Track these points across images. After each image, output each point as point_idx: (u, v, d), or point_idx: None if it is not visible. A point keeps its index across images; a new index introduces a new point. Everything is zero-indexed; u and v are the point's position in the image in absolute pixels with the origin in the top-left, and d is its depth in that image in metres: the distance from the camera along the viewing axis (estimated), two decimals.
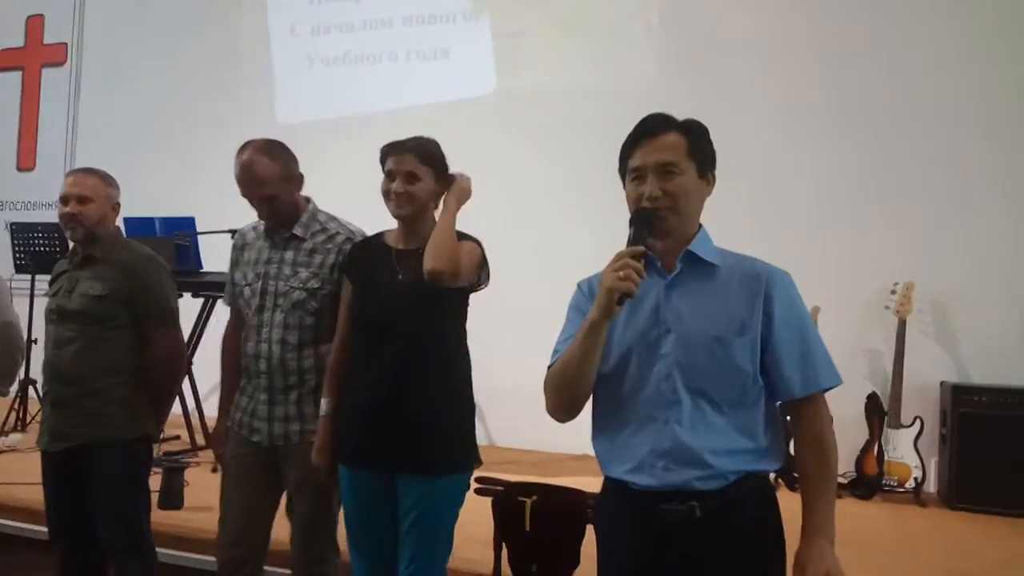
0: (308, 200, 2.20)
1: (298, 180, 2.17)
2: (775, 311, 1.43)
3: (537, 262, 4.14)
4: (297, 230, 2.14)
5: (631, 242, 1.41)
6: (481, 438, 4.80)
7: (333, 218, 2.20)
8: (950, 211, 3.91)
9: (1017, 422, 3.49)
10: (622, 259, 1.36)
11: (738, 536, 1.40)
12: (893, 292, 3.81)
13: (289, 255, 2.14)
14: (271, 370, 2.10)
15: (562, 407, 1.50)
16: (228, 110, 5.18)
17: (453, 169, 1.99)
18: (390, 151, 1.96)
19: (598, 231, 1.58)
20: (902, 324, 3.75)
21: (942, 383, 3.79)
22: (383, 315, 1.93)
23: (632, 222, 1.45)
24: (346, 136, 4.74)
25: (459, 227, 2.03)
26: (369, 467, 1.94)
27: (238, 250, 2.25)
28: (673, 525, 1.40)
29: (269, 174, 2.09)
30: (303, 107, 5.28)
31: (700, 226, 1.50)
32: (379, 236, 2.06)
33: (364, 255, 2.04)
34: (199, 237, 4.06)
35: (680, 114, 1.53)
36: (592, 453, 1.56)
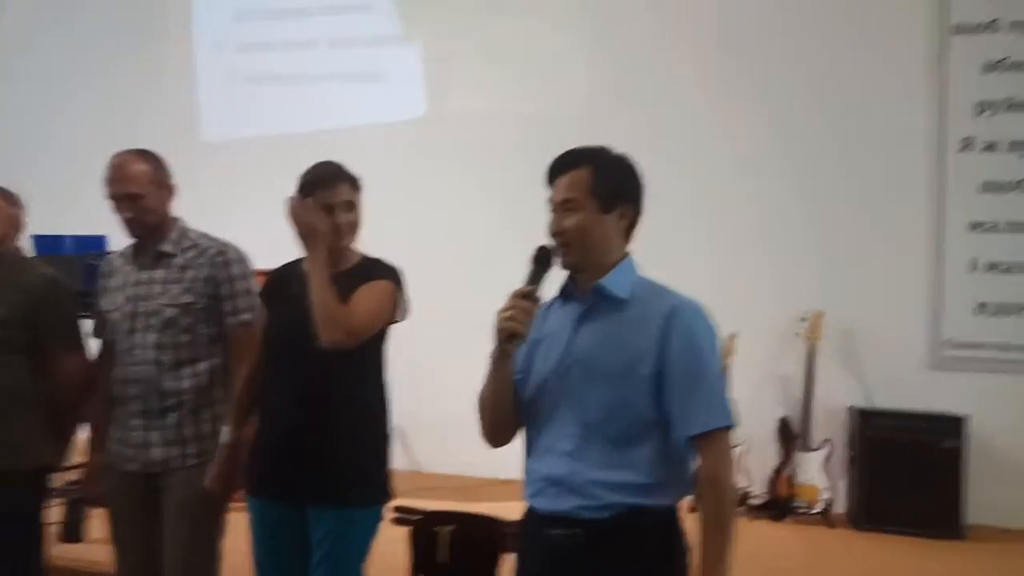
0: (177, 218, 2.16)
1: (169, 190, 2.13)
2: (672, 348, 1.44)
3: (464, 288, 4.15)
4: (166, 247, 2.09)
5: (527, 280, 1.46)
6: (406, 464, 4.80)
7: (205, 235, 2.16)
8: (859, 242, 4.09)
9: (919, 446, 3.66)
10: (512, 299, 1.42)
11: (627, 568, 1.42)
12: (804, 320, 3.96)
13: (159, 274, 2.09)
14: (145, 393, 2.03)
15: (487, 433, 1.56)
16: (150, 126, 5.00)
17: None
18: (320, 183, 1.90)
19: (523, 257, 1.61)
20: (812, 350, 3.90)
21: (849, 408, 3.95)
22: (298, 342, 1.88)
23: (532, 259, 1.49)
24: (272, 156, 4.66)
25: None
26: (279, 498, 1.89)
27: (105, 277, 2.18)
28: (559, 549, 1.43)
29: (139, 172, 2.07)
30: (226, 125, 5.17)
31: (626, 256, 1.54)
32: (296, 263, 2.02)
33: (282, 281, 2.01)
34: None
35: (607, 141, 1.57)
36: (516, 478, 1.59)
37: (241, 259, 2.13)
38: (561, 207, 1.48)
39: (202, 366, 2.05)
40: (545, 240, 1.53)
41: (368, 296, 1.88)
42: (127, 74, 5.40)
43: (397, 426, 4.16)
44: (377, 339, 1.95)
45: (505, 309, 1.42)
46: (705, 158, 4.28)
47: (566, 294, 1.55)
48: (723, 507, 1.44)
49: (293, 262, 2.05)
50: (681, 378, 1.43)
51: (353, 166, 2.02)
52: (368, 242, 2.11)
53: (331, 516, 1.84)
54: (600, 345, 1.46)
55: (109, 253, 3.84)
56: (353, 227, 1.93)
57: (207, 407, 2.05)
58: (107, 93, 5.42)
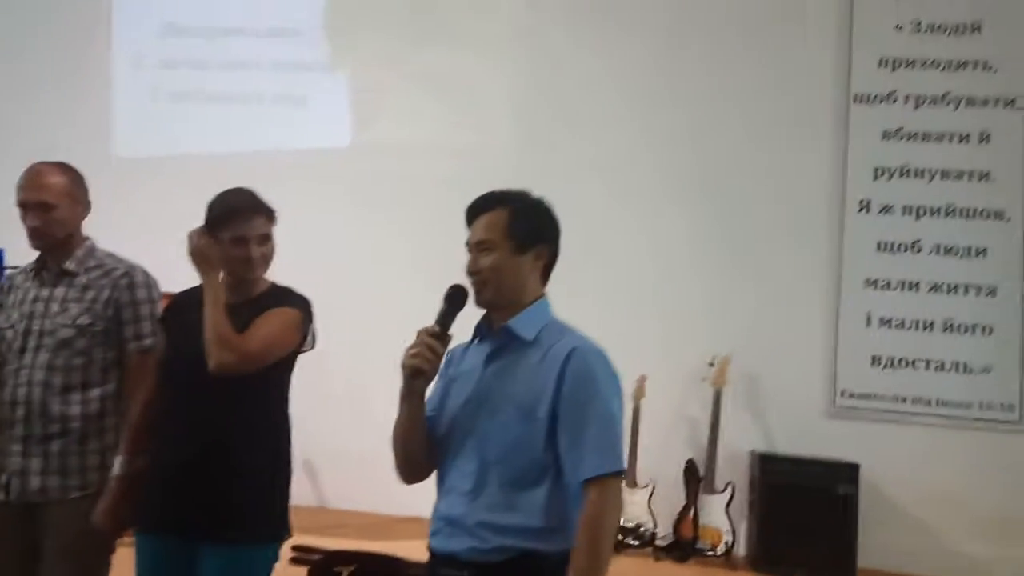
0: (87, 237, 2.09)
1: (83, 206, 2.07)
2: (565, 390, 1.45)
3: (382, 321, 4.11)
4: (70, 265, 2.01)
5: (437, 318, 1.49)
6: (312, 500, 4.68)
7: (112, 255, 2.09)
8: (765, 292, 4.26)
9: (815, 491, 3.79)
10: (419, 336, 1.45)
11: None
12: (711, 364, 4.09)
13: (59, 292, 2.00)
14: (29, 416, 1.93)
15: (401, 469, 1.56)
16: (61, 138, 4.83)
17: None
18: (234, 214, 1.85)
19: (442, 289, 1.62)
20: (717, 394, 4.03)
21: (751, 452, 4.09)
22: (196, 372, 1.81)
23: (444, 298, 1.52)
24: (189, 175, 4.53)
25: (301, 280, 2.00)
26: (169, 534, 1.81)
27: (4, 293, 2.08)
28: None
29: (55, 183, 2.00)
30: (144, 142, 5.02)
31: (542, 297, 1.57)
32: (198, 289, 1.94)
33: (184, 306, 1.93)
34: (6, 272, 3.72)
35: (526, 180, 1.61)
36: (422, 515, 1.58)
37: (148, 283, 2.06)
38: (477, 247, 1.52)
39: (94, 392, 1.96)
40: (464, 276, 1.56)
41: (268, 323, 1.83)
42: (41, 84, 5.19)
43: (305, 460, 4.12)
44: (279, 368, 1.89)
45: (411, 347, 1.44)
46: (622, 198, 4.40)
47: (480, 333, 1.57)
48: (599, 553, 1.41)
49: (194, 288, 1.99)
50: (572, 421, 1.43)
51: (274, 191, 2.00)
52: (287, 270, 2.08)
53: (223, 554, 1.77)
54: (503, 385, 1.48)
55: (6, 268, 3.69)
56: (266, 259, 1.90)
57: (96, 436, 1.95)
58: (18, 103, 5.19)
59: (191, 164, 4.62)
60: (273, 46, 5.07)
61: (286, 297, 1.91)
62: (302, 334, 1.92)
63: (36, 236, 1.99)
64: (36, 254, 2.08)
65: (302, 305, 1.93)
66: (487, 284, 1.50)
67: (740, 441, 4.11)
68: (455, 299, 1.51)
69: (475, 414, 1.49)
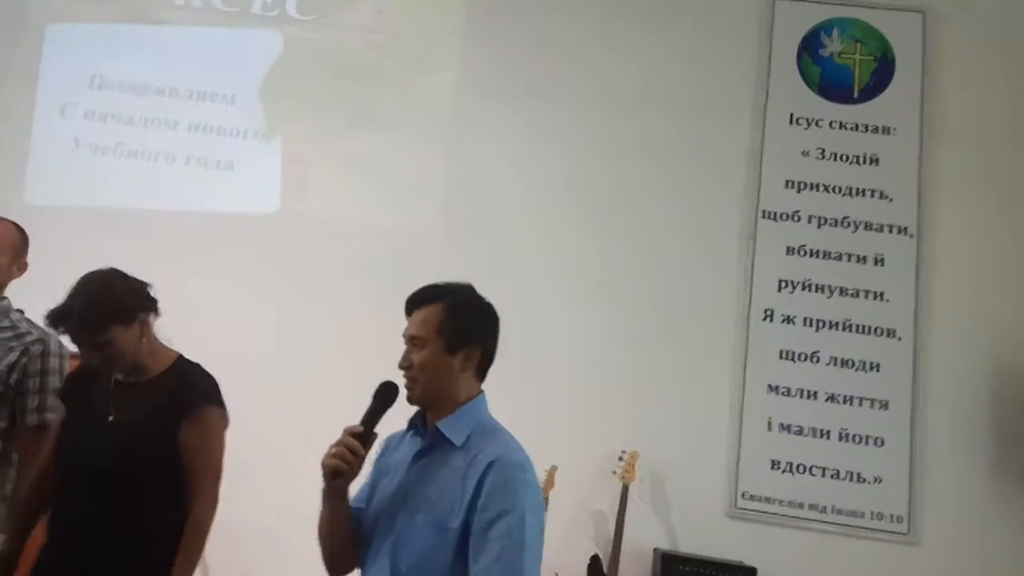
0: (5, 297, 1.99)
1: (19, 268, 1.99)
2: (480, 507, 1.39)
3: (291, 394, 4.02)
4: None
5: (364, 417, 1.48)
6: None
7: (28, 319, 1.99)
8: (672, 391, 4.37)
9: None
10: (342, 436, 1.43)
11: None
12: (621, 459, 4.14)
13: None
14: None
15: (326, 562, 1.51)
16: None
17: None
18: (59, 322, 1.76)
19: (360, 371, 1.61)
20: (625, 490, 4.06)
21: (655, 550, 4.10)
22: (86, 458, 1.73)
23: (374, 395, 1.52)
24: (106, 228, 4.41)
25: (218, 343, 1.95)
26: None
27: None
28: None
29: (8, 235, 1.93)
30: (59, 191, 4.86)
31: (478, 395, 1.55)
32: None
33: (82, 382, 1.84)
34: None
35: (450, 266, 1.64)
36: None
37: (61, 354, 1.95)
38: (410, 342, 1.52)
39: None
40: (386, 359, 1.55)
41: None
42: None
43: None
44: (176, 462, 1.81)
45: (333, 446, 1.41)
46: (542, 290, 4.49)
47: (413, 427, 1.55)
48: None
49: None
50: (481, 537, 1.37)
51: (195, 252, 1.97)
52: (204, 331, 2.04)
53: None
54: (423, 489, 1.44)
55: None
56: (112, 362, 1.77)
57: None
58: None
59: (111, 217, 4.50)
60: (205, 108, 5.06)
61: (189, 385, 1.81)
62: (223, 428, 1.85)
63: None
64: None
65: (208, 395, 1.84)
66: (416, 382, 1.49)
67: (645, 538, 4.12)
68: (384, 396, 1.49)
69: (394, 515, 1.45)
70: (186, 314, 1.99)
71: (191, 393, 1.81)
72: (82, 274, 1.91)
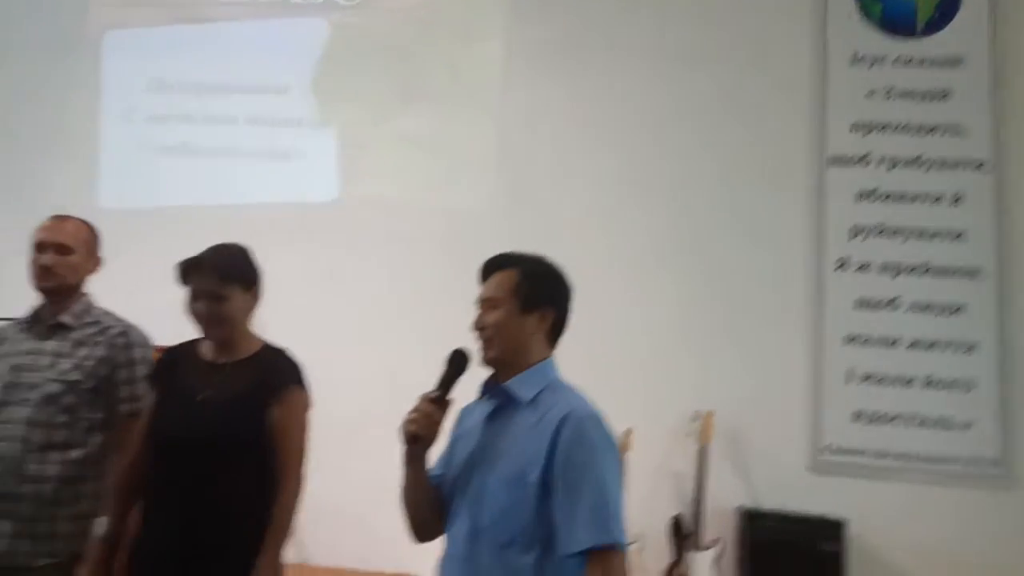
0: (86, 293, 2.07)
1: (95, 263, 2.06)
2: (558, 459, 1.40)
3: (370, 376, 4.10)
4: (65, 318, 1.98)
5: (437, 382, 1.50)
6: (294, 556, 4.54)
7: (109, 313, 2.06)
8: (746, 348, 4.31)
9: (801, 548, 3.79)
10: (419, 402, 1.46)
11: None
12: (695, 420, 4.10)
13: (50, 345, 1.96)
14: (3, 474, 1.86)
15: (411, 529, 1.55)
16: (51, 190, 4.85)
17: None
18: (190, 269, 1.85)
19: (431, 346, 1.63)
20: (703, 450, 4.03)
21: (738, 508, 4.06)
22: (182, 435, 1.80)
23: (447, 361, 1.54)
24: (175, 227, 4.55)
25: (291, 332, 2.00)
26: None
27: None
28: None
29: (77, 230, 2.02)
30: (131, 194, 5.04)
31: (546, 359, 1.56)
32: (191, 344, 1.93)
33: (172, 365, 1.90)
34: None
35: (512, 238, 1.64)
36: (407, 570, 1.56)
37: (144, 343, 2.03)
38: (484, 304, 1.53)
39: (74, 453, 1.89)
40: (453, 334, 1.56)
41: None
42: (30, 136, 5.23)
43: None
44: (263, 437, 1.86)
45: (410, 412, 1.43)
46: (600, 257, 4.44)
47: (486, 390, 1.57)
48: None
49: (185, 344, 1.98)
50: (565, 490, 1.37)
51: (262, 244, 2.01)
52: (275, 322, 2.08)
53: None
54: (497, 447, 1.46)
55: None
56: (222, 320, 1.85)
57: (69, 502, 1.87)
58: (7, 152, 5.22)
59: (178, 216, 4.64)
60: (261, 101, 5.15)
61: (277, 367, 1.87)
62: (308, 409, 1.90)
63: (45, 276, 1.94)
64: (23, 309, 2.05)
65: (294, 377, 1.90)
66: (491, 342, 1.51)
67: (726, 496, 4.09)
68: (456, 362, 1.51)
69: (471, 475, 1.47)
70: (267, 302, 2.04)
71: (279, 376, 1.87)
72: (155, 272, 2.00)
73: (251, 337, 1.91)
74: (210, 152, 5.13)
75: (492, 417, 1.50)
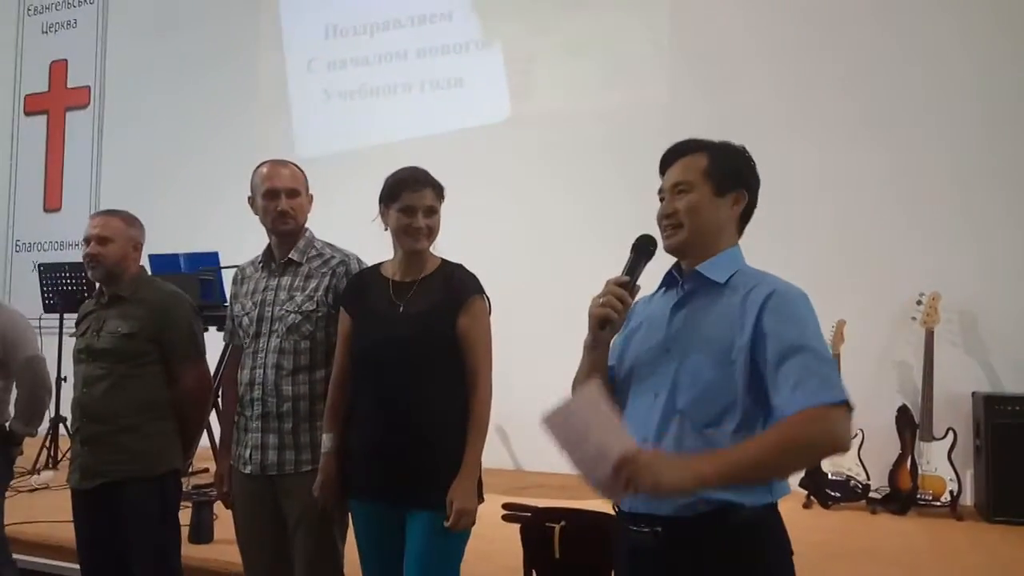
0: (307, 229, 2.22)
1: (311, 201, 2.21)
2: (770, 328, 1.34)
3: (556, 284, 4.15)
4: (294, 255, 2.14)
5: (626, 268, 1.43)
6: (507, 463, 4.85)
7: (329, 244, 2.21)
8: (973, 220, 3.87)
9: None
10: (607, 287, 1.39)
11: (714, 569, 1.33)
12: (919, 303, 3.76)
13: (286, 280, 2.14)
14: (264, 396, 2.07)
15: None
16: (247, 146, 5.28)
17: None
18: (405, 186, 1.93)
19: (615, 251, 1.58)
20: (930, 335, 3.70)
21: (974, 394, 3.72)
22: (385, 348, 1.90)
23: (632, 248, 1.45)
24: (364, 167, 4.77)
25: (476, 254, 2.04)
26: (379, 502, 1.91)
27: (237, 284, 2.25)
28: (639, 549, 1.37)
29: (299, 175, 2.17)
30: (322, 140, 5.36)
31: (735, 246, 1.48)
32: (374, 269, 2.04)
33: (361, 288, 2.02)
34: (223, 271, 4.11)
35: (690, 134, 1.53)
36: None
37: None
38: (673, 190, 1.44)
39: (319, 373, 2.08)
40: (632, 234, 1.50)
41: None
42: (224, 98, 5.70)
43: (497, 426, 4.25)
44: (456, 346, 1.93)
45: (599, 296, 1.39)
46: (793, 140, 4.14)
47: (668, 282, 1.51)
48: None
49: (367, 269, 2.08)
50: (780, 359, 1.30)
51: (441, 173, 2.04)
52: (460, 244, 2.13)
53: (428, 517, 1.85)
54: (693, 331, 1.40)
55: (222, 268, 4.09)
56: (432, 232, 1.94)
57: (322, 415, 2.06)
58: (205, 116, 5.74)
59: (368, 156, 4.88)
60: (427, 32, 5.22)
61: (460, 281, 1.94)
62: (489, 316, 1.96)
63: (283, 219, 2.11)
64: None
65: (478, 288, 1.96)
66: (681, 227, 1.43)
67: (959, 383, 3.76)
68: (642, 248, 1.45)
69: (659, 361, 1.42)
70: (449, 226, 2.10)
71: (463, 286, 1.96)
72: (357, 213, 2.11)
73: (432, 256, 1.99)
74: (388, 90, 5.31)
75: (680, 305, 1.44)
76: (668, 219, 1.44)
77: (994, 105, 3.88)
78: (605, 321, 1.38)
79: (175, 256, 4.22)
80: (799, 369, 1.29)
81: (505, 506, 2.10)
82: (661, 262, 1.52)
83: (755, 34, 4.34)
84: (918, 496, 3.60)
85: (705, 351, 1.38)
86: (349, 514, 2.02)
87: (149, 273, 2.59)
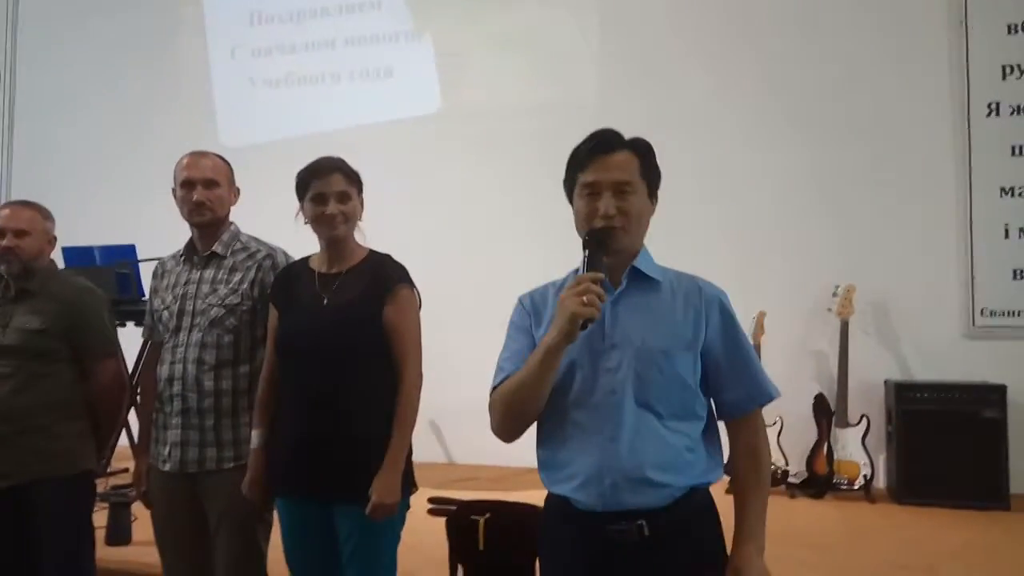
0: (232, 222, 2.17)
1: (235, 194, 2.15)
2: (713, 330, 1.44)
3: (487, 277, 4.15)
4: (217, 248, 2.09)
5: (588, 265, 1.39)
6: (439, 455, 4.83)
7: (255, 238, 2.16)
8: (887, 216, 4.04)
9: (957, 416, 3.60)
10: (584, 283, 1.34)
11: (684, 552, 1.39)
12: (835, 295, 3.91)
13: (208, 273, 2.09)
14: (184, 392, 2.02)
15: (509, 428, 1.47)
16: (170, 135, 5.09)
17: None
18: (313, 175, 1.91)
19: (544, 245, 1.59)
20: (844, 325, 3.85)
21: (886, 381, 3.90)
22: (310, 341, 1.88)
23: (587, 244, 1.42)
24: (292, 158, 4.66)
25: (404, 247, 2.03)
26: (305, 497, 1.88)
27: (157, 278, 2.19)
28: (619, 545, 1.38)
29: (219, 166, 2.11)
30: (247, 130, 5.22)
31: (643, 245, 1.51)
32: (302, 262, 2.01)
33: (289, 281, 1.99)
34: (140, 265, 3.96)
35: (621, 128, 1.54)
36: None
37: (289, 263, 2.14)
38: (614, 188, 1.42)
39: (243, 369, 2.04)
40: (561, 228, 1.50)
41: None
42: (145, 85, 5.48)
43: (430, 420, 4.23)
44: (382, 336, 1.92)
45: (580, 294, 1.32)
46: (718, 137, 4.25)
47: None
48: (762, 473, 1.47)
49: (294, 263, 2.05)
50: (728, 360, 1.43)
51: (370, 164, 2.03)
52: (388, 236, 2.12)
53: (357, 512, 1.83)
54: (645, 326, 1.42)
55: (139, 262, 3.94)
56: (348, 217, 1.92)
57: (246, 410, 2.03)
58: (126, 103, 5.51)
59: (295, 147, 4.77)
60: (356, 20, 5.14)
61: (387, 270, 1.93)
62: (419, 307, 1.95)
63: (198, 210, 2.06)
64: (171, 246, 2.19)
65: (406, 277, 1.95)
66: (627, 229, 1.42)
67: (873, 371, 3.93)
68: (599, 241, 1.42)
69: (607, 357, 1.42)
70: (377, 218, 2.08)
71: (389, 276, 1.95)
72: (281, 204, 2.07)
73: (358, 246, 1.97)
74: (315, 79, 5.20)
75: (618, 301, 1.45)
76: (612, 219, 1.41)
77: (911, 105, 4.03)
78: (590, 320, 1.34)
79: (90, 249, 4.04)
80: (750, 366, 1.45)
81: (431, 500, 2.10)
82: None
83: (683, 33, 4.43)
84: (834, 480, 3.75)
85: (660, 343, 1.41)
86: (275, 512, 1.98)
87: (63, 266, 2.49)
